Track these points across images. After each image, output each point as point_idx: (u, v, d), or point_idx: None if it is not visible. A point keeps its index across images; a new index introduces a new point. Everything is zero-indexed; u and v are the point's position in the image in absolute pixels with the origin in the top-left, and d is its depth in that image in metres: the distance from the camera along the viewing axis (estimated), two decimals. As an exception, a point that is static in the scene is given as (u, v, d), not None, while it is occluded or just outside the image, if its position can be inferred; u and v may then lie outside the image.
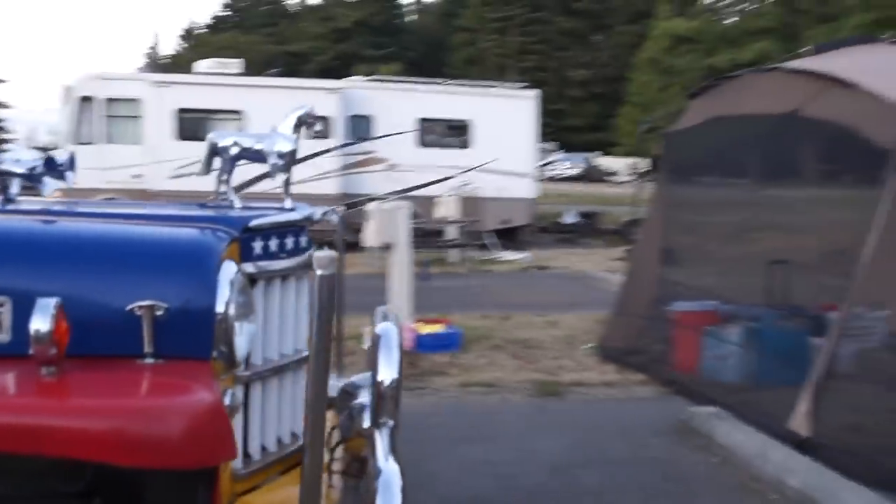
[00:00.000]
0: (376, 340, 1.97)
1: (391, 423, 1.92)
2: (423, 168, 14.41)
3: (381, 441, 1.90)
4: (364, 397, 2.21)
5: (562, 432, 5.37)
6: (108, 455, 1.58)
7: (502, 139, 16.01)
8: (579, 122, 48.64)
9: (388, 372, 1.91)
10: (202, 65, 16.81)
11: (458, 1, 53.06)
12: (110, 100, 14.60)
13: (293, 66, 39.58)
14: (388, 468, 1.83)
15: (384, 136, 14.90)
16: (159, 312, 1.86)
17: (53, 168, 2.42)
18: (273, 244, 2.34)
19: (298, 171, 2.72)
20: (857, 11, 31.01)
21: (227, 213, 2.40)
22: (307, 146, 2.86)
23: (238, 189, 2.60)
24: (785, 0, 35.33)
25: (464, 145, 16.55)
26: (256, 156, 2.58)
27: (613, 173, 40.21)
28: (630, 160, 31.14)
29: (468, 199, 14.76)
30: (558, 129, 43.08)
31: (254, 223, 2.30)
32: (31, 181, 2.40)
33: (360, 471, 2.32)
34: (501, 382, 6.47)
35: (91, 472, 1.75)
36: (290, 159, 2.60)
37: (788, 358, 6.05)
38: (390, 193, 9.10)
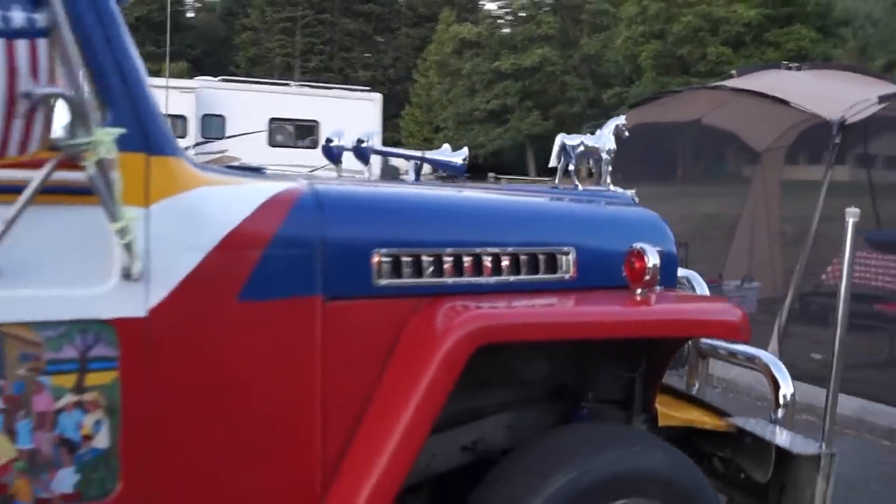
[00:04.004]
0: None
1: None
2: (273, 167, 14.44)
3: None
4: None
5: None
6: (708, 332, 2.60)
7: (348, 140, 16.34)
8: (365, 123, 49.28)
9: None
10: None
11: (242, 0, 52.02)
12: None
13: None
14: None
15: (235, 136, 14.84)
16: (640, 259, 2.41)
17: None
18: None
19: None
20: (629, 25, 34.12)
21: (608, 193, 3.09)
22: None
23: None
24: (561, 9, 38.01)
25: (313, 145, 16.72)
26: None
27: (405, 172, 41.35)
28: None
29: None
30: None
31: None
32: None
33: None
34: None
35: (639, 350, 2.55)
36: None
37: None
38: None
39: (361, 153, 2.80)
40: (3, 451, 1.72)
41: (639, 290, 2.38)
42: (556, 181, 3.27)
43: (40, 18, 1.49)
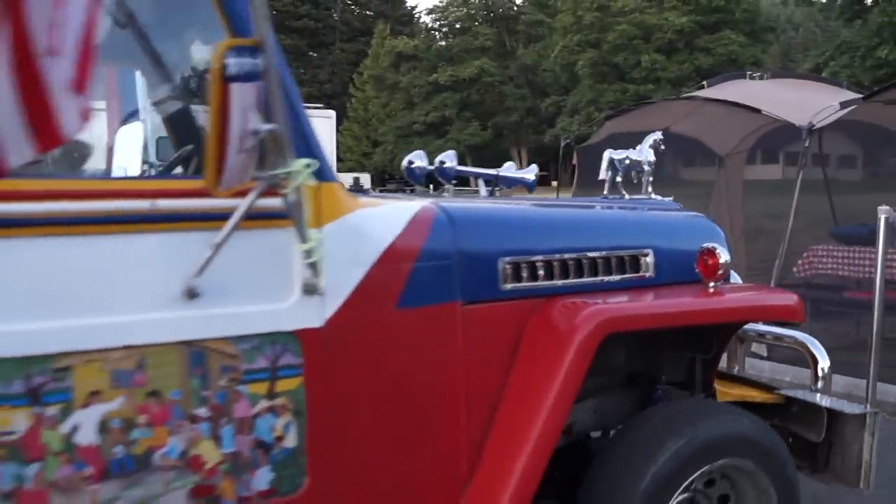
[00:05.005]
0: None
1: None
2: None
3: None
4: None
5: None
6: (776, 315, 2.90)
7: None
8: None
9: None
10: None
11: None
12: None
13: None
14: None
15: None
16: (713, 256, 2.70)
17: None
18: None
19: None
20: (564, 34, 34.86)
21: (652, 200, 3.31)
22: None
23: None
24: (497, 20, 38.63)
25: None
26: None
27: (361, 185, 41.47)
28: (352, 175, 32.57)
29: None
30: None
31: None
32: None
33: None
34: None
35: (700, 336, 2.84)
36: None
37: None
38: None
39: (443, 173, 3.03)
40: (211, 456, 1.91)
41: (712, 284, 2.68)
42: (606, 192, 3.55)
43: (259, 64, 1.69)
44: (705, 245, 2.73)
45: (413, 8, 43.12)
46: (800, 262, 7.74)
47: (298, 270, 1.97)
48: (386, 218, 2.17)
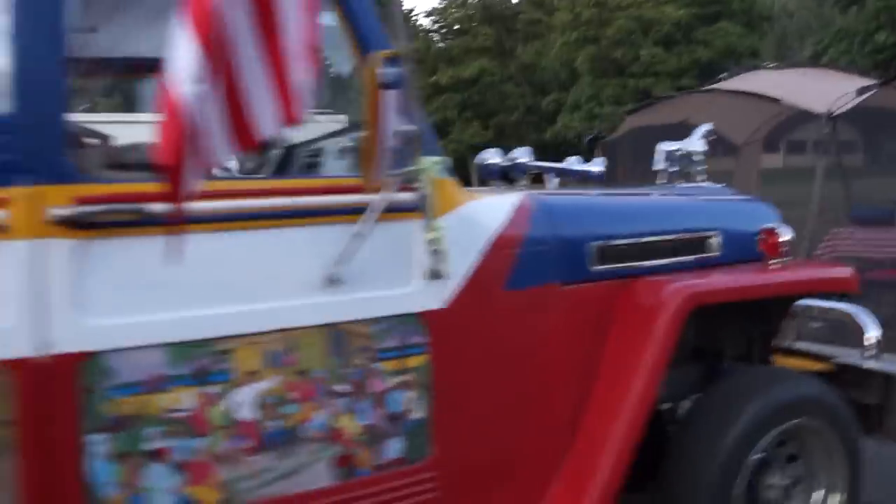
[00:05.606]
0: None
1: None
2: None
3: None
4: None
5: None
6: (836, 287, 3.08)
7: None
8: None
9: None
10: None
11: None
12: None
13: None
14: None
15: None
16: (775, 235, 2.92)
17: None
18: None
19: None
20: (563, 31, 35.04)
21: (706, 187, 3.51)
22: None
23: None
24: (495, 20, 38.82)
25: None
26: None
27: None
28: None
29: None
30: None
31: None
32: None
33: None
34: None
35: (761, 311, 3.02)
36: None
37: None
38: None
39: (518, 169, 3.22)
40: (350, 428, 2.10)
41: (775, 261, 2.88)
42: (665, 182, 3.74)
43: (402, 72, 1.89)
44: (767, 225, 2.94)
45: (410, 11, 43.21)
46: (822, 245, 7.93)
47: (418, 257, 2.16)
48: (493, 209, 2.37)
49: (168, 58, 1.50)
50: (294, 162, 2.83)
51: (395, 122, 1.87)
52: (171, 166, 1.47)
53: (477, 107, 40.32)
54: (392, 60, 1.85)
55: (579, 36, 34.33)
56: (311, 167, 2.71)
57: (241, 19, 1.50)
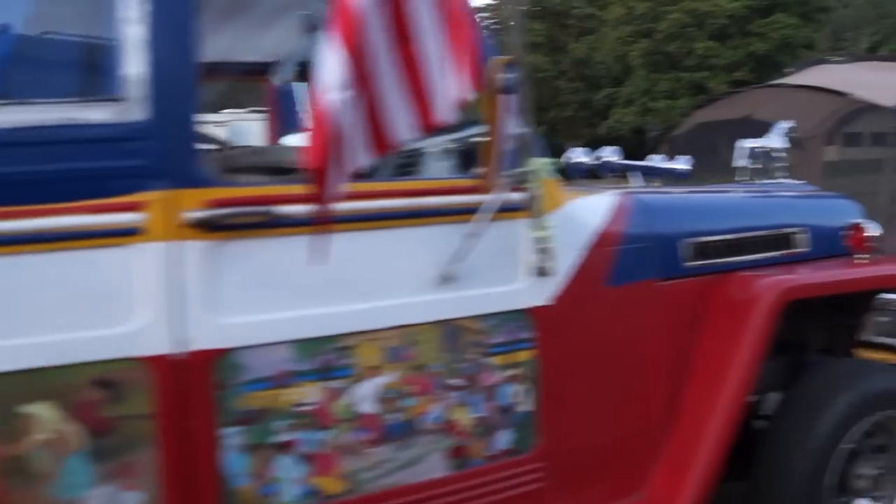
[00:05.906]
0: None
1: None
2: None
3: None
4: None
5: None
6: None
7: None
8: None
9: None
10: None
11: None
12: None
13: None
14: None
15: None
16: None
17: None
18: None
19: None
20: (616, 26, 34.82)
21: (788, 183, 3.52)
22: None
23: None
24: (548, 16, 38.68)
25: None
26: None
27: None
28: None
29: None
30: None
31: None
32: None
33: None
34: None
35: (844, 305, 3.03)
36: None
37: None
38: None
39: (605, 167, 3.29)
40: (464, 420, 2.19)
41: (862, 256, 2.91)
42: (750, 178, 3.79)
43: (517, 78, 1.97)
44: (854, 221, 2.96)
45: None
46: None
47: (525, 256, 2.24)
48: (593, 207, 2.44)
49: (317, 66, 1.60)
50: (403, 164, 2.92)
51: (512, 126, 1.95)
52: (318, 170, 1.56)
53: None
54: (510, 66, 1.94)
55: (633, 30, 34.04)
56: (411, 168, 2.80)
57: (381, 28, 1.59)
